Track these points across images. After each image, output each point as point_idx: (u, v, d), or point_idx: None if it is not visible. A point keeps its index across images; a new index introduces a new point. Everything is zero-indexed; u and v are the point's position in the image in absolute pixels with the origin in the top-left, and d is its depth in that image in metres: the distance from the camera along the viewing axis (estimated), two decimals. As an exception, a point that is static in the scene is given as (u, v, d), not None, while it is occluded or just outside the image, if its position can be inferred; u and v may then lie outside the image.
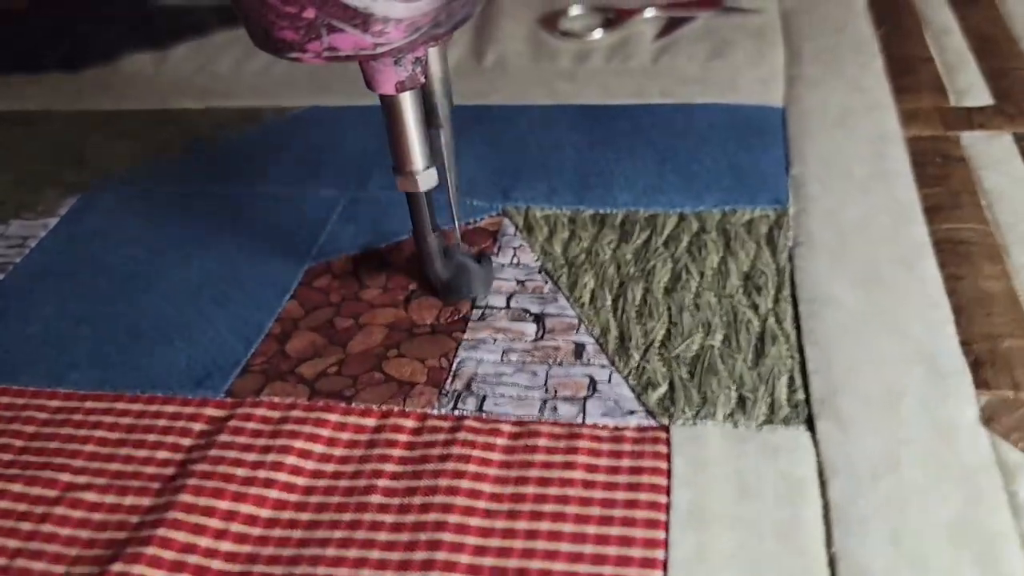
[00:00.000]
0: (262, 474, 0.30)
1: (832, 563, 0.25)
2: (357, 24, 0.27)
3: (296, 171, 0.45)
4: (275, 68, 0.55)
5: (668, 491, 0.28)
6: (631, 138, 0.45)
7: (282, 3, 0.27)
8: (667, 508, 0.27)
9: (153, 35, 0.61)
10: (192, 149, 0.48)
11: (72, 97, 0.55)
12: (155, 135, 0.50)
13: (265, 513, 0.29)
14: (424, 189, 0.33)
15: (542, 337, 0.34)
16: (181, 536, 0.28)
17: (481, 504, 0.28)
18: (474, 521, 0.28)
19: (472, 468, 0.29)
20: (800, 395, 0.31)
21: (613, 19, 0.54)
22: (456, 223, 0.37)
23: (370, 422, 0.32)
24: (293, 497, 0.30)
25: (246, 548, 0.28)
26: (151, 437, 0.32)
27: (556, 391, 0.32)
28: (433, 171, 0.33)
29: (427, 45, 0.30)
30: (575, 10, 0.56)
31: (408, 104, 0.32)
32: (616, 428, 0.30)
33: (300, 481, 0.30)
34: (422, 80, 0.31)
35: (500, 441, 0.30)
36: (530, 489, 0.29)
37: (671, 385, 0.32)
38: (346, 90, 0.51)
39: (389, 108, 0.32)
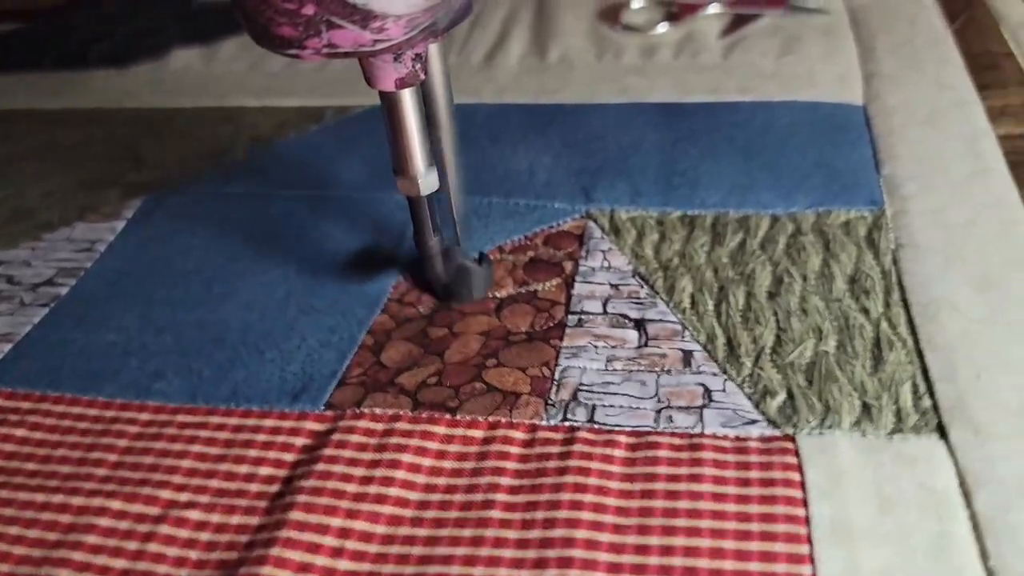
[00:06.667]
0: (373, 489, 0.29)
1: (991, 577, 0.25)
2: (356, 20, 0.27)
3: (366, 173, 0.44)
4: (331, 65, 0.54)
5: (805, 504, 0.27)
6: (711, 136, 0.44)
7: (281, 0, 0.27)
8: (807, 522, 0.26)
9: (199, 30, 0.59)
10: (255, 149, 0.47)
11: (122, 95, 0.53)
12: (214, 134, 0.49)
13: (380, 529, 0.28)
14: (425, 193, 0.33)
15: (646, 344, 0.33)
16: (296, 556, 0.27)
17: (608, 519, 0.27)
18: (604, 537, 0.27)
19: (593, 481, 0.28)
20: (926, 402, 0.30)
21: (676, 13, 0.53)
22: (458, 231, 0.36)
23: (478, 433, 0.31)
24: (408, 512, 0.29)
25: (365, 566, 0.27)
26: (251, 452, 0.31)
27: (669, 400, 0.31)
28: (434, 174, 0.33)
29: (427, 42, 0.30)
30: (637, 3, 0.55)
31: (409, 102, 0.31)
32: (739, 438, 0.29)
33: (413, 496, 0.29)
34: (423, 77, 0.31)
35: (618, 453, 0.29)
36: (658, 503, 0.28)
37: (789, 393, 0.31)
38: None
39: (389, 106, 0.31)
